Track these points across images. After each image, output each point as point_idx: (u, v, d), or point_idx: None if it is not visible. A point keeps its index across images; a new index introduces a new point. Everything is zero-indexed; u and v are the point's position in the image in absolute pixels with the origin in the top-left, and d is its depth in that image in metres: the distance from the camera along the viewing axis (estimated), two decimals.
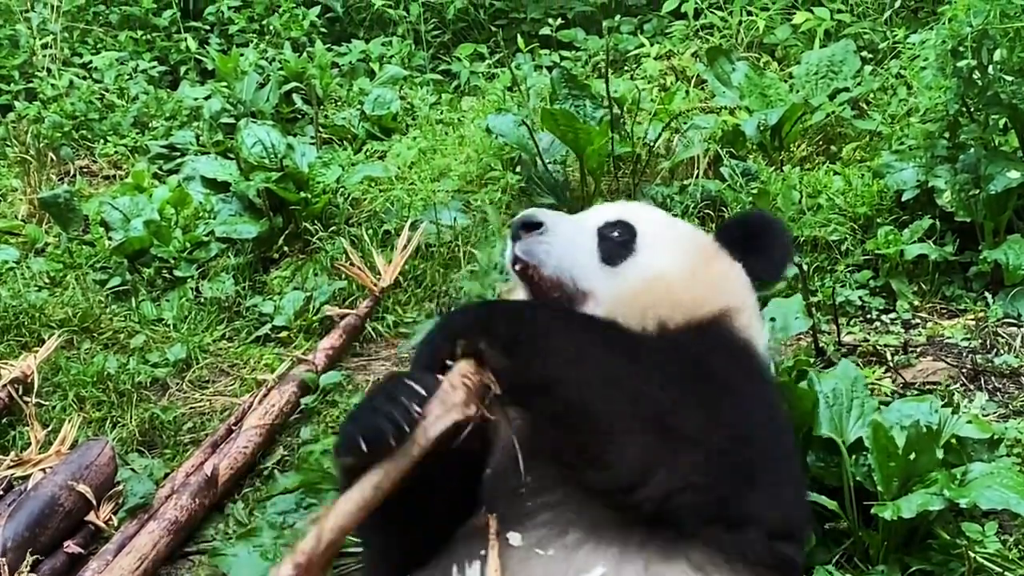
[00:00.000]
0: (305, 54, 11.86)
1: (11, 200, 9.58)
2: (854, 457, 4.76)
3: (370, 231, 7.96)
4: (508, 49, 11.08)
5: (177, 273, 8.01)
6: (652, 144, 8.01)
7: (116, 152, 10.51)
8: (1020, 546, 4.78)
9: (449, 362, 3.14)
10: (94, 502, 5.72)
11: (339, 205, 8.30)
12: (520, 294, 3.75)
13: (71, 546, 5.55)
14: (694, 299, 3.63)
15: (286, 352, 7.19)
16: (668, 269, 3.66)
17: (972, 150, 7.07)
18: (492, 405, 3.11)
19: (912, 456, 4.62)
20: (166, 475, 6.14)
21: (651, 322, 3.54)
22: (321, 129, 10.07)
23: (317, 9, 12.52)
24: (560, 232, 3.64)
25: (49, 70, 11.60)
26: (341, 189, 8.40)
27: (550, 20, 11.68)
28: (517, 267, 3.64)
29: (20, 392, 6.67)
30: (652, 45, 10.52)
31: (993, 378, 6.14)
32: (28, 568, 5.28)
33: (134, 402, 6.75)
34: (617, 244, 3.69)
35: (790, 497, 3.46)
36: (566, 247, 3.62)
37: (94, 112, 10.90)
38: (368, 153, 9.84)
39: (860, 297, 6.91)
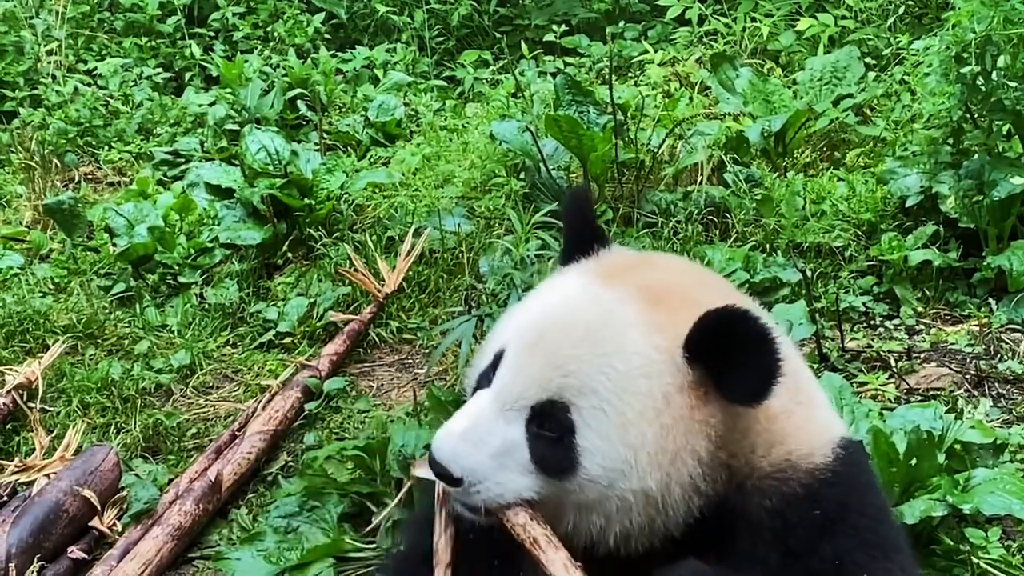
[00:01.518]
0: (309, 60, 11.90)
1: (16, 206, 9.59)
2: None
3: (374, 237, 7.96)
4: (512, 55, 11.11)
5: (181, 279, 8.01)
6: (656, 150, 8.01)
7: (120, 158, 10.52)
8: None
9: None
10: (98, 508, 5.72)
11: (343, 211, 8.31)
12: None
13: (75, 552, 5.55)
14: (676, 492, 2.90)
15: (290, 358, 7.19)
16: (626, 472, 2.87)
17: (976, 156, 7.07)
18: None
19: (914, 462, 4.62)
20: (170, 481, 6.14)
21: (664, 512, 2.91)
22: (325, 135, 10.08)
23: (321, 16, 12.55)
24: (483, 473, 2.92)
25: (54, 76, 11.62)
26: (345, 195, 8.40)
27: (554, 26, 11.71)
28: (475, 518, 3.03)
29: (24, 398, 6.67)
30: (656, 51, 10.54)
31: (997, 384, 6.14)
32: (34, 574, 5.28)
33: (138, 408, 6.75)
34: (551, 450, 2.92)
35: None
36: (500, 486, 2.93)
37: (99, 118, 10.91)
38: (372, 159, 9.85)
39: (864, 303, 6.92)
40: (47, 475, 5.93)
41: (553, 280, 3.27)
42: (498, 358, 3.02)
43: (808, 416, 3.13)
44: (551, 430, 2.89)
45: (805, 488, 2.99)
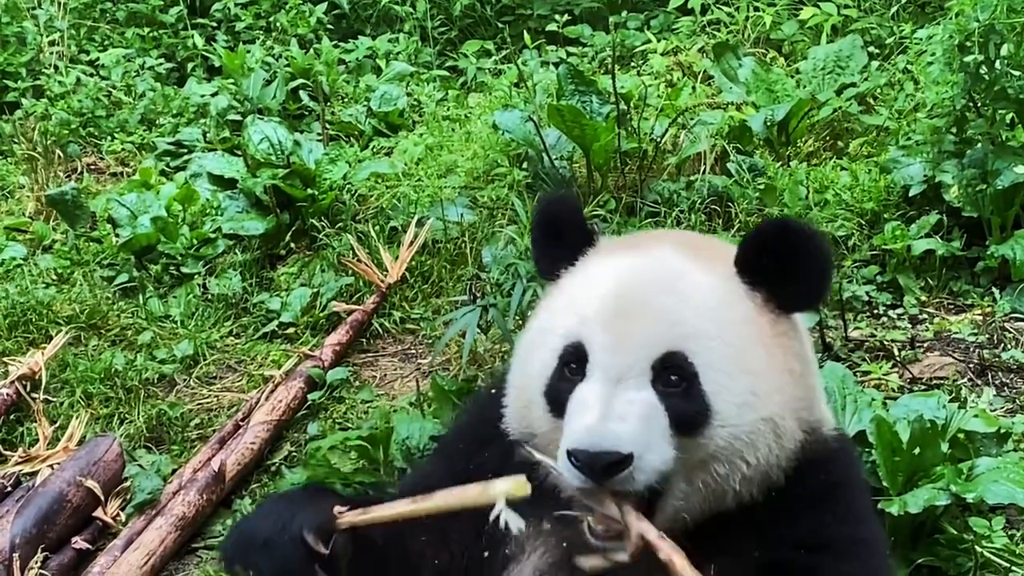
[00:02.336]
0: (312, 51, 11.87)
1: (19, 197, 9.59)
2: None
3: (377, 227, 7.96)
4: (515, 45, 11.08)
5: (184, 270, 8.01)
6: (659, 140, 8.00)
7: (123, 149, 10.52)
8: None
9: None
10: (102, 498, 5.74)
11: (346, 202, 8.30)
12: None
13: (79, 542, 5.57)
14: (790, 423, 2.91)
15: (293, 348, 7.18)
16: (751, 402, 2.84)
17: (979, 145, 7.06)
18: None
19: (917, 451, 4.62)
20: (173, 471, 6.15)
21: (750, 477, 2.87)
22: (328, 126, 10.06)
23: (324, 6, 12.52)
24: (645, 441, 2.75)
25: (56, 67, 11.62)
26: (348, 186, 8.39)
27: (556, 16, 11.69)
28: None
29: (28, 388, 6.68)
30: (658, 41, 10.52)
31: (1000, 373, 6.14)
32: (38, 564, 5.29)
33: (141, 398, 6.76)
34: (683, 403, 2.80)
35: None
36: (660, 455, 2.78)
37: (101, 109, 10.90)
38: (375, 150, 9.83)
39: (867, 292, 6.91)
40: (51, 466, 5.94)
41: (578, 274, 3.13)
42: (574, 353, 2.90)
43: (821, 393, 3.18)
44: (676, 383, 2.81)
45: (816, 453, 3.00)
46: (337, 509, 2.83)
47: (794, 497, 2.92)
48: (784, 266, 2.90)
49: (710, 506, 2.88)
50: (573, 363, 2.88)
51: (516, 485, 2.60)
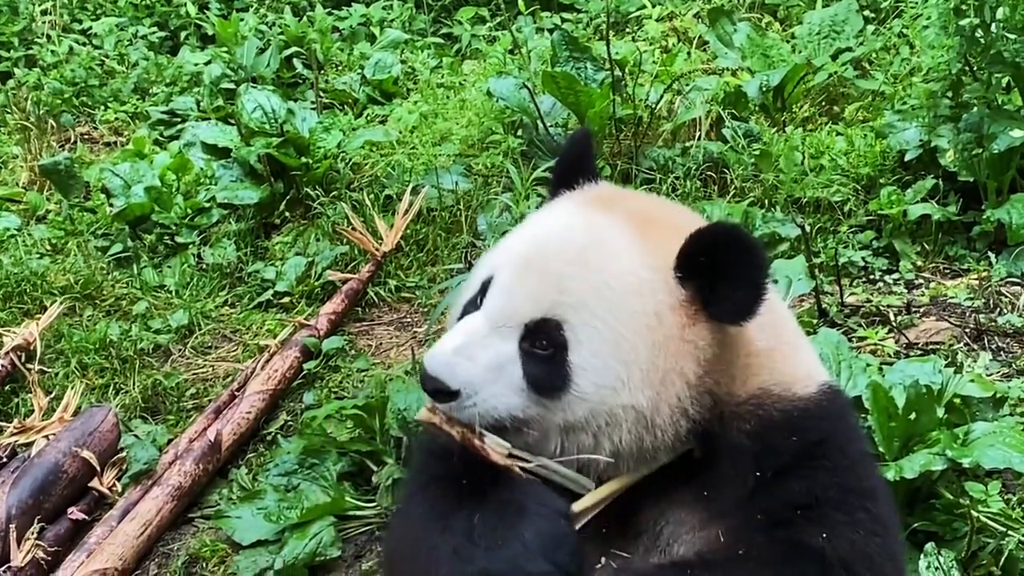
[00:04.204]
0: (305, 18, 11.84)
1: (12, 167, 9.57)
2: None
3: (371, 196, 7.94)
4: (509, 12, 11.04)
5: (179, 239, 8.01)
6: (654, 106, 7.97)
7: (117, 118, 10.51)
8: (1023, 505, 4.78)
9: None
10: (98, 468, 5.73)
11: (340, 170, 8.28)
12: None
13: (75, 512, 5.56)
14: (666, 417, 2.89)
15: (288, 317, 7.19)
16: (617, 389, 2.84)
17: (975, 109, 7.04)
18: None
19: (913, 416, 4.62)
20: (169, 441, 6.15)
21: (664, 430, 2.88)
22: (322, 94, 10.04)
23: None
24: (478, 384, 2.85)
25: (49, 36, 11.59)
26: (342, 154, 8.37)
27: None
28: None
29: (23, 359, 6.67)
30: (653, 6, 10.47)
31: (997, 338, 6.14)
32: (34, 535, 5.29)
33: (137, 368, 6.76)
34: (544, 368, 2.87)
35: None
36: (495, 398, 2.87)
37: (94, 78, 10.88)
38: (369, 118, 9.82)
39: (863, 258, 6.90)
40: (46, 436, 5.94)
41: (543, 210, 3.27)
42: (486, 284, 3.00)
43: (790, 356, 3.14)
44: (544, 348, 2.86)
45: (782, 414, 2.99)
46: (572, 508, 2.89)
47: (776, 461, 2.94)
48: (719, 270, 2.86)
49: (633, 459, 2.92)
50: (480, 295, 3.01)
51: None
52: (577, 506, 2.87)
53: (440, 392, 2.85)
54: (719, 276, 2.85)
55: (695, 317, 2.90)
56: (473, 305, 3.02)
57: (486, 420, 2.86)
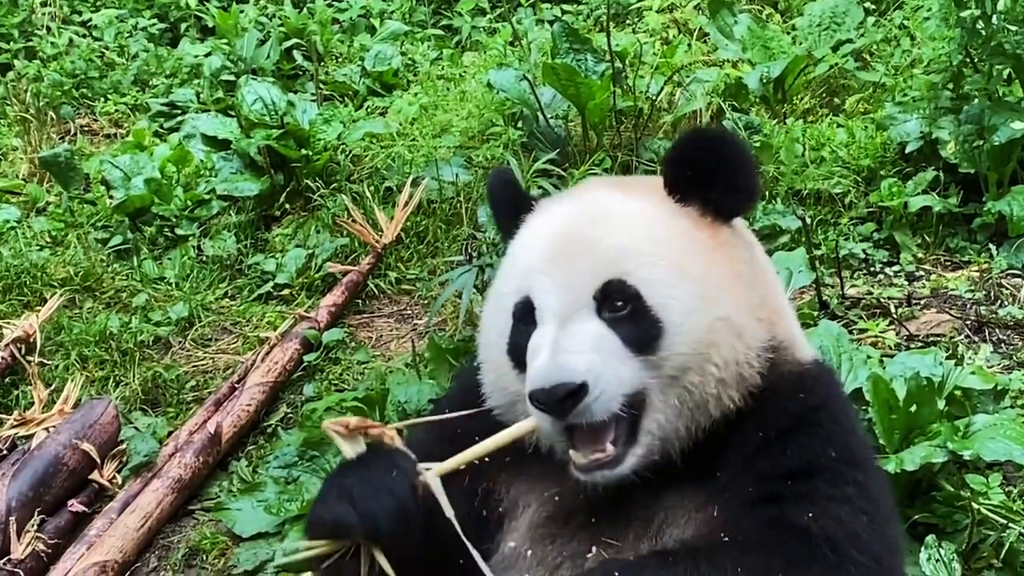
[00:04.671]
0: (305, 10, 11.82)
1: (12, 159, 9.57)
2: None
3: (371, 188, 7.94)
4: (509, 3, 11.03)
5: (179, 231, 8.01)
6: (654, 98, 7.96)
7: (116, 110, 10.50)
8: None
9: None
10: (98, 461, 5.74)
11: (340, 162, 8.27)
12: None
13: (75, 505, 5.57)
14: (747, 321, 2.93)
15: (288, 309, 7.19)
16: (703, 305, 2.88)
17: (976, 101, 7.03)
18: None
19: (913, 408, 4.61)
20: (169, 433, 6.16)
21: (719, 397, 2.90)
22: (322, 86, 10.03)
23: None
24: (599, 368, 2.77)
25: (49, 28, 11.58)
26: (342, 146, 8.36)
27: None
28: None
29: (23, 351, 6.68)
30: None
31: (997, 330, 6.13)
32: (34, 527, 5.29)
33: (137, 361, 6.76)
34: (632, 324, 2.84)
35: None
36: (617, 378, 2.80)
37: (94, 70, 10.87)
38: (369, 109, 9.81)
39: (864, 250, 6.89)
40: (46, 429, 5.94)
41: (520, 236, 3.19)
42: (523, 307, 2.97)
43: (791, 321, 3.22)
44: (621, 307, 2.85)
45: (790, 373, 3.04)
46: (422, 465, 2.83)
47: (776, 423, 2.96)
48: (708, 174, 2.97)
49: (694, 423, 2.91)
50: (525, 316, 2.94)
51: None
52: (437, 468, 2.81)
53: (570, 394, 2.72)
54: (709, 179, 2.97)
55: (716, 225, 3.01)
56: (522, 335, 2.95)
57: (609, 409, 2.78)
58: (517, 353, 2.95)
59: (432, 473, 2.79)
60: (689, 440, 2.93)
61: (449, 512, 2.74)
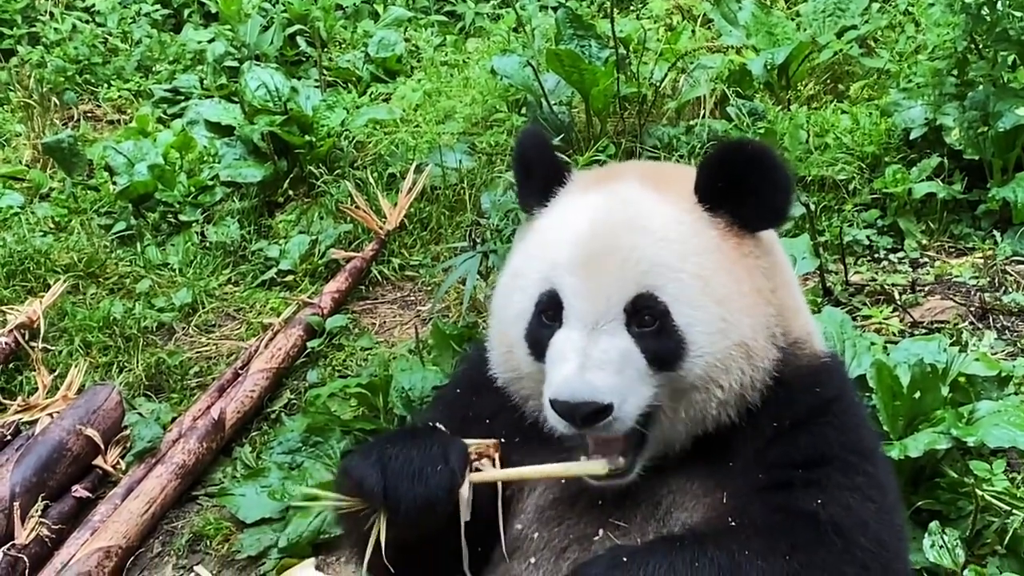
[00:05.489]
0: None
1: (15, 145, 9.56)
2: None
3: (375, 174, 7.93)
4: None
5: (182, 217, 8.00)
6: (658, 84, 7.95)
7: (120, 96, 10.49)
8: None
9: None
10: (102, 446, 5.75)
11: (344, 148, 8.27)
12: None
13: (79, 490, 5.58)
14: (762, 344, 2.95)
15: (292, 296, 7.19)
16: (724, 330, 2.89)
17: (981, 87, 7.01)
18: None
19: (917, 395, 4.61)
20: (173, 419, 6.16)
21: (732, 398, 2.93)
22: (325, 72, 10.02)
23: None
24: (624, 390, 2.80)
25: (52, 14, 11.56)
26: (346, 132, 8.36)
27: None
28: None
29: (26, 337, 6.68)
30: None
31: (1001, 316, 6.13)
32: (38, 513, 5.30)
33: (140, 347, 6.76)
34: (657, 341, 2.85)
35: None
36: (638, 397, 2.84)
37: (97, 56, 10.86)
38: (373, 96, 9.80)
39: (868, 236, 6.89)
40: (50, 414, 5.95)
41: (550, 212, 3.17)
42: (546, 299, 2.96)
43: (808, 315, 3.25)
44: (650, 322, 2.86)
45: (808, 366, 3.07)
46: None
47: (791, 414, 2.98)
48: (741, 187, 2.94)
49: (691, 430, 2.95)
50: (549, 310, 2.94)
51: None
52: (474, 476, 2.86)
53: (596, 413, 2.76)
54: (741, 192, 2.94)
55: (742, 236, 2.99)
56: (545, 327, 2.95)
57: (632, 423, 2.82)
58: (536, 341, 2.96)
59: (465, 480, 2.83)
60: (690, 439, 2.97)
61: (465, 517, 2.81)
